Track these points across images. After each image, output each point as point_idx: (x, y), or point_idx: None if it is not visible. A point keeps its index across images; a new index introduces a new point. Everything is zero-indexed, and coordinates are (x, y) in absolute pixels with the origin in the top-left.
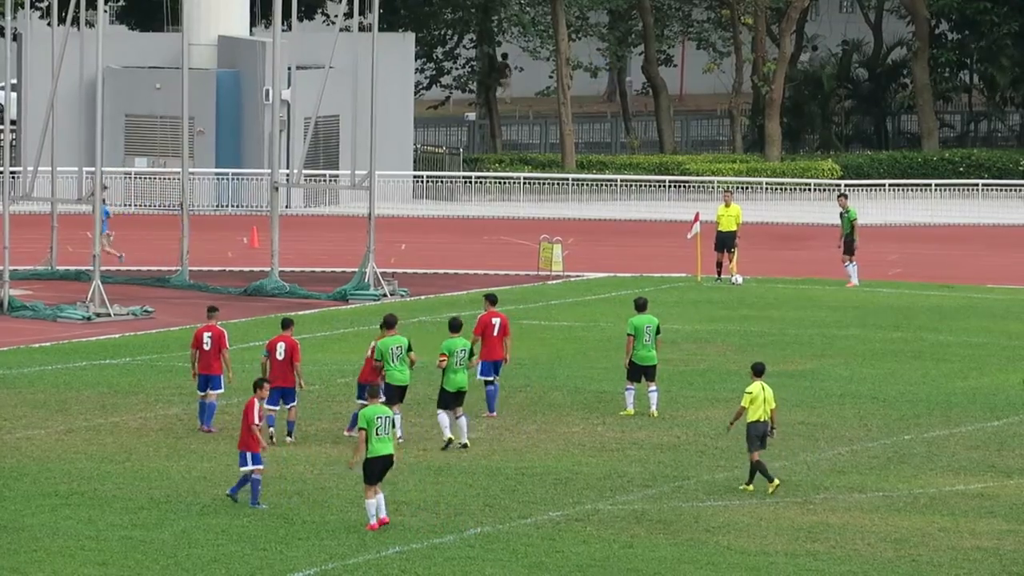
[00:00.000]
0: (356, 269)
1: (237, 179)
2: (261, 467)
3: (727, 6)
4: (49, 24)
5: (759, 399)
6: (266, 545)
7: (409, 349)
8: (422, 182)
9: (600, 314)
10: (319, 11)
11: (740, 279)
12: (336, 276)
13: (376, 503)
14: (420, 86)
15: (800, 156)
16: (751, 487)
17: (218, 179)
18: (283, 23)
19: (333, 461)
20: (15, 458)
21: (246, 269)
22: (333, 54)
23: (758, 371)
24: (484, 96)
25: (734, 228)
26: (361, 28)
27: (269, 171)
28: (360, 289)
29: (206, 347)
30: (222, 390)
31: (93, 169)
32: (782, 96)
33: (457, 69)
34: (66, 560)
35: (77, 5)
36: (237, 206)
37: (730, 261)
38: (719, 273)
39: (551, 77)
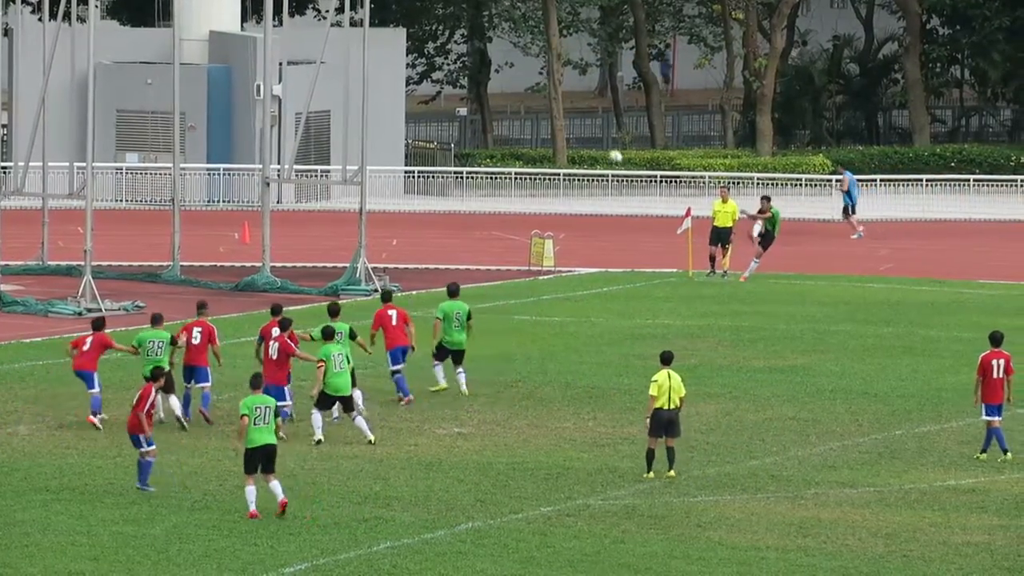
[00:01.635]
0: (347, 264)
1: (228, 174)
2: (153, 448)
3: (718, 1)
4: (40, 19)
5: (665, 387)
6: (257, 540)
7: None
8: (413, 177)
9: (591, 309)
10: (310, 6)
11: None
12: (327, 271)
13: (271, 488)
14: (411, 81)
15: (791, 151)
16: (651, 475)
17: (209, 174)
18: (274, 18)
19: (325, 456)
20: (6, 453)
21: (237, 264)
22: (324, 49)
23: (666, 359)
24: (475, 91)
25: (730, 224)
26: (352, 23)
27: (260, 166)
28: (351, 284)
29: (195, 341)
30: (209, 382)
31: (84, 164)
32: (773, 91)
33: (448, 64)
34: (58, 555)
35: (68, 1)
36: (228, 201)
37: (723, 256)
38: (712, 267)
39: (542, 73)
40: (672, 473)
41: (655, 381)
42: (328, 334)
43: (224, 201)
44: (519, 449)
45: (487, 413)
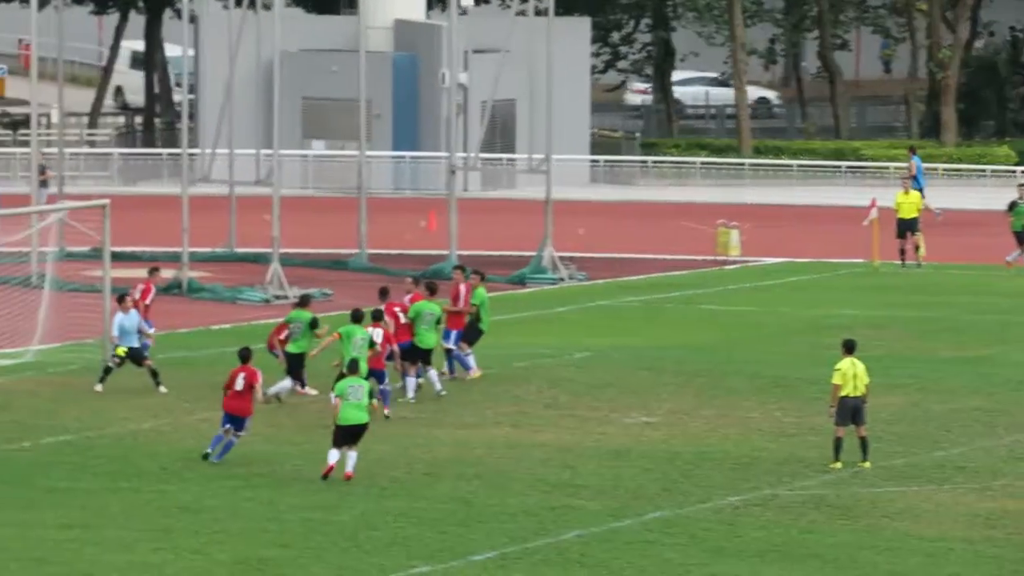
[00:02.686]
0: (533, 253)
1: (414, 162)
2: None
3: None
4: (226, 7)
5: (849, 374)
6: (446, 528)
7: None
8: (599, 166)
9: (777, 299)
10: None
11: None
12: (513, 260)
13: (347, 454)
14: (596, 70)
15: (976, 142)
16: (839, 464)
17: (395, 162)
18: (459, 6)
19: (513, 444)
20: (196, 440)
21: (424, 252)
22: (509, 38)
23: (849, 347)
24: (660, 81)
25: (915, 215)
26: (537, 12)
27: (446, 154)
28: (538, 273)
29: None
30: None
31: (271, 152)
32: (957, 82)
33: (633, 54)
34: (247, 541)
35: None
36: (414, 189)
37: (915, 247)
38: (903, 259)
39: (726, 63)
40: (866, 464)
41: (838, 369)
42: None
43: (410, 189)
44: (706, 438)
45: (674, 402)
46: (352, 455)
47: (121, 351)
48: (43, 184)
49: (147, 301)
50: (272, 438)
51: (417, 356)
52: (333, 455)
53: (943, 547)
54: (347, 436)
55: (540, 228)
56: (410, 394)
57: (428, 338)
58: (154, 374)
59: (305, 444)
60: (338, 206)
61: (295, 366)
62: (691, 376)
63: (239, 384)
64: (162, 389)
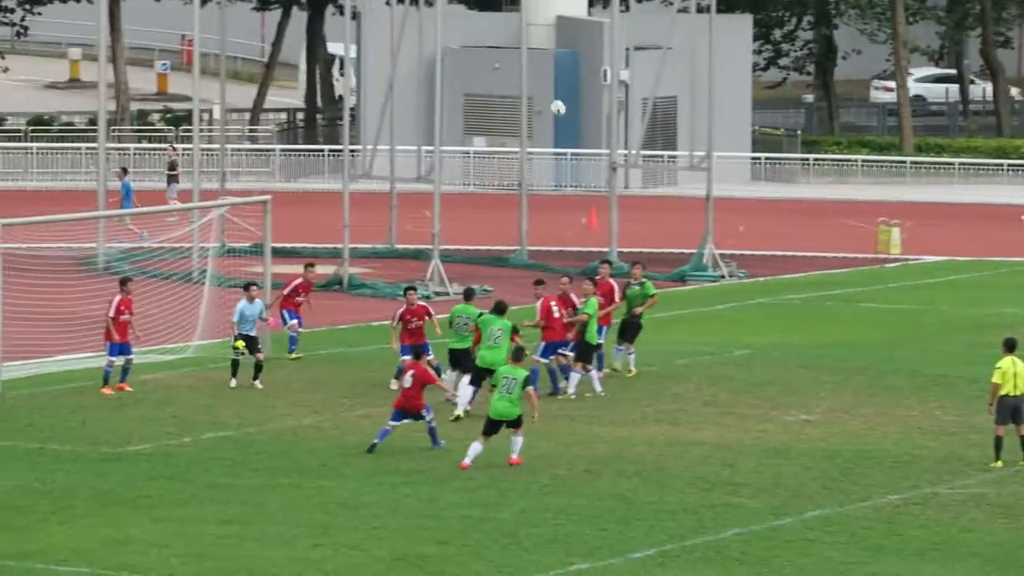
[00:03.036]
0: (694, 250)
1: (575, 159)
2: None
3: None
4: (388, 3)
5: (1009, 373)
6: (605, 525)
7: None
8: (760, 164)
9: (938, 297)
10: None
11: None
12: (673, 257)
13: (512, 439)
14: (757, 67)
15: None
16: (1000, 463)
17: (556, 159)
18: (621, 3)
19: (672, 441)
20: (356, 436)
21: (584, 249)
22: (671, 35)
23: (1010, 346)
24: (821, 78)
25: None
26: (699, 9)
27: (607, 151)
28: (698, 270)
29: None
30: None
31: (432, 148)
32: None
33: (795, 51)
34: (406, 538)
35: None
36: (575, 186)
37: None
38: None
39: (888, 60)
40: (999, 463)
41: (999, 368)
42: (500, 310)
43: (571, 186)
44: (866, 437)
45: (834, 400)
46: (518, 440)
47: (239, 344)
48: (173, 180)
49: (300, 297)
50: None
51: (589, 352)
52: (474, 448)
53: None
54: (494, 429)
55: (700, 225)
56: (571, 389)
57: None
58: (258, 368)
59: (466, 440)
60: (499, 203)
61: (460, 362)
62: (851, 374)
63: (407, 381)
64: (258, 384)
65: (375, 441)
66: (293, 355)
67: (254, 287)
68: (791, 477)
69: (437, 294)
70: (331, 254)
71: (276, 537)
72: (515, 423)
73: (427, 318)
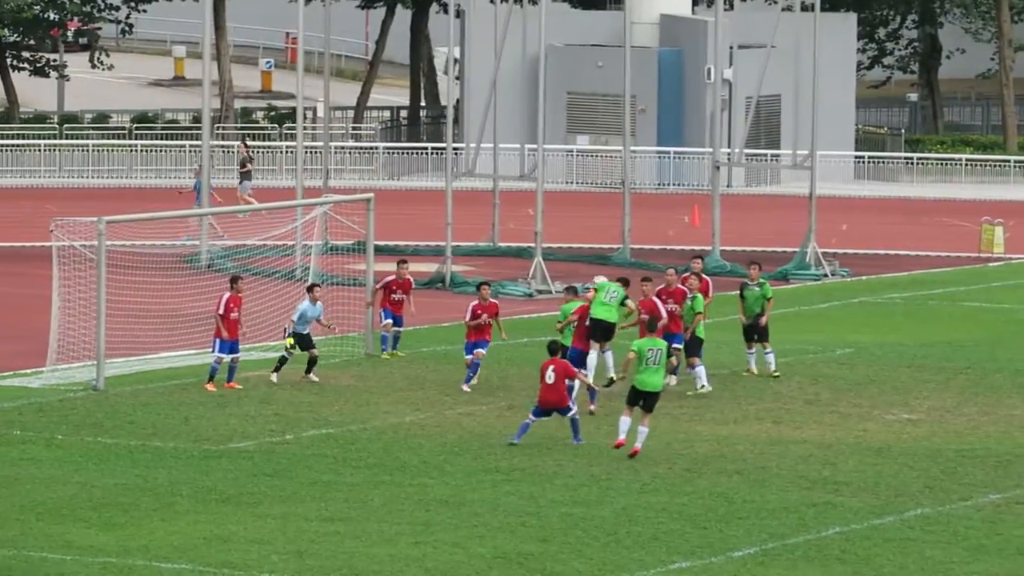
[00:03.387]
0: (797, 249)
1: (678, 157)
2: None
3: None
4: (492, 1)
5: None
6: (706, 524)
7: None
8: (863, 163)
9: None
10: None
11: None
12: (777, 256)
13: (639, 430)
14: (861, 66)
15: None
16: None
17: (659, 157)
18: (725, 2)
19: (774, 440)
20: (457, 433)
21: (686, 247)
22: (775, 33)
23: None
24: (925, 77)
25: None
26: (803, 8)
27: (710, 150)
28: (801, 269)
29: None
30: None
31: (535, 146)
32: None
33: (899, 50)
34: (507, 536)
35: None
36: (678, 184)
37: None
38: None
39: (993, 59)
40: None
41: None
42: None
43: (674, 184)
44: (968, 435)
45: (936, 399)
46: (643, 430)
47: (290, 341)
48: (246, 176)
49: (396, 295)
50: (532, 433)
51: (699, 348)
52: (624, 423)
53: None
54: (640, 399)
55: (803, 224)
56: (701, 382)
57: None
58: (312, 363)
59: (567, 439)
60: (601, 201)
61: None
62: (954, 373)
63: (550, 377)
64: (313, 377)
65: (514, 440)
66: (387, 354)
67: (317, 288)
68: (892, 476)
69: (540, 292)
70: (433, 252)
71: (377, 534)
72: (653, 400)
73: (495, 317)
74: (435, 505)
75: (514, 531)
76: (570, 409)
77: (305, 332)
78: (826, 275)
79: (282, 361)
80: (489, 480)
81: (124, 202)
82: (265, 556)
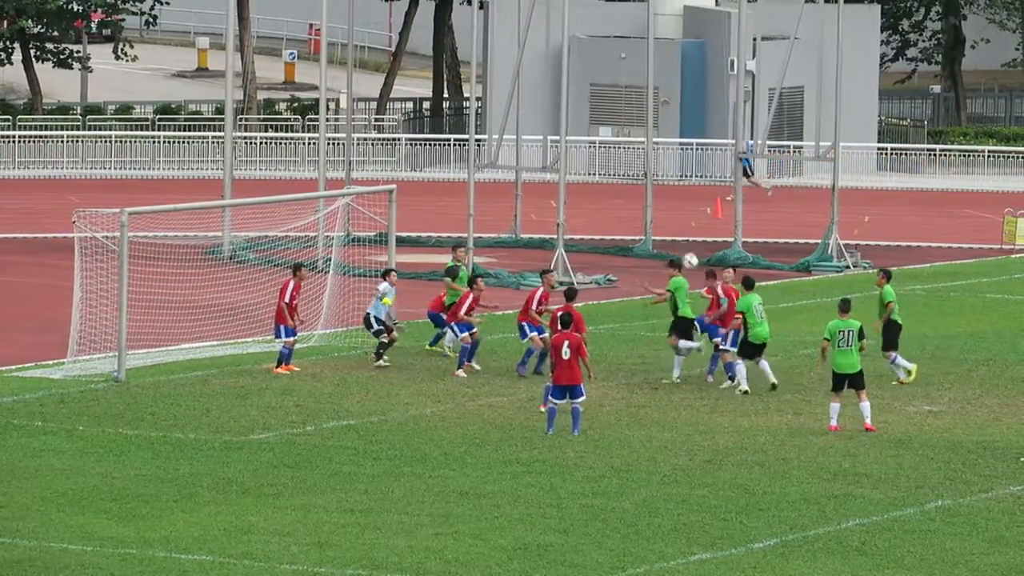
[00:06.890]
0: (819, 240)
1: (701, 149)
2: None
3: None
4: None
5: None
6: (726, 515)
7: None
8: (886, 154)
9: None
10: None
11: None
12: (799, 247)
13: (861, 407)
14: (884, 58)
15: None
16: None
17: (682, 149)
18: None
19: (795, 432)
20: (477, 425)
21: (709, 239)
22: (798, 25)
23: None
24: (949, 68)
25: None
26: (827, 0)
27: (733, 141)
28: (823, 260)
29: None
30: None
31: (558, 138)
32: None
33: (923, 41)
34: (527, 527)
35: None
36: (701, 176)
37: None
38: None
39: (1017, 49)
40: None
41: None
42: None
43: (696, 176)
44: (989, 428)
45: (958, 391)
46: (865, 406)
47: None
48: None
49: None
50: (554, 423)
51: (755, 351)
52: (834, 409)
53: None
54: (842, 383)
55: (825, 216)
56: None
57: (762, 331)
58: (388, 344)
59: (588, 431)
60: (624, 192)
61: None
62: (975, 365)
63: (565, 352)
64: (383, 362)
65: (548, 431)
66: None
67: (393, 273)
68: (912, 468)
69: (561, 283)
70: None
71: (398, 526)
72: (858, 379)
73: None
74: (455, 497)
75: (534, 523)
76: (580, 395)
77: (383, 316)
78: (848, 267)
79: (382, 346)
80: (509, 472)
81: (147, 193)
82: (285, 547)
